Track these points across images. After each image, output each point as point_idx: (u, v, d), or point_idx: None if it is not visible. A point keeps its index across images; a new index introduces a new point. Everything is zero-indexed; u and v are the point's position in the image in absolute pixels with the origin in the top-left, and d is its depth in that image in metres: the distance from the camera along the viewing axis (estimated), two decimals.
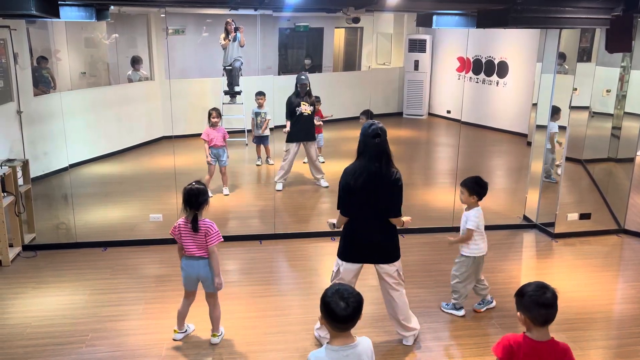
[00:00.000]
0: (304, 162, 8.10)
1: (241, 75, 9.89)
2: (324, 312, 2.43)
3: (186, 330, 4.15)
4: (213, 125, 7.03)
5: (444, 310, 4.54)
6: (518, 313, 2.59)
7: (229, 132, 7.42)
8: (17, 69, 7.16)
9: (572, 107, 5.97)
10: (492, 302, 4.59)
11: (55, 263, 5.38)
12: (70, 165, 7.20)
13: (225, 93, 9.85)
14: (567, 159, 6.42)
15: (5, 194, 5.33)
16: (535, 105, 7.40)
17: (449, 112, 12.82)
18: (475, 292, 4.55)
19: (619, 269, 5.55)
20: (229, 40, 9.49)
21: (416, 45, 13.07)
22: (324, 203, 7.17)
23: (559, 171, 6.56)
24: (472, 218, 4.36)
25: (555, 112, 6.16)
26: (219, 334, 4.08)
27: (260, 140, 8.68)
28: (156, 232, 5.96)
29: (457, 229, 4.74)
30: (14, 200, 5.47)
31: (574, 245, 5.99)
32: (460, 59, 12.57)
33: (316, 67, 13.35)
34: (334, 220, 3.96)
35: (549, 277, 5.16)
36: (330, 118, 8.85)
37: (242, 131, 9.86)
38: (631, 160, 6.49)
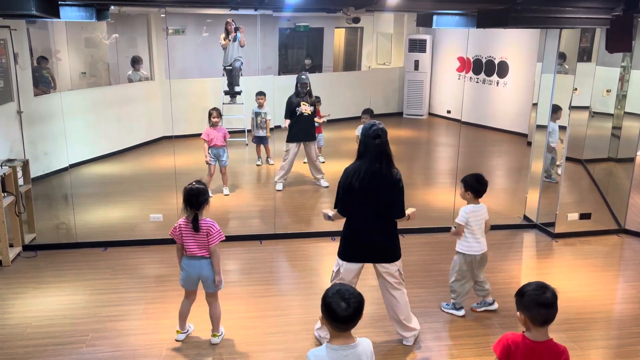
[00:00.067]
0: (304, 162, 8.10)
1: (241, 75, 9.89)
2: (325, 313, 2.43)
3: (187, 330, 4.16)
4: (213, 125, 7.03)
5: (444, 310, 4.54)
6: (518, 313, 2.60)
7: (229, 132, 7.41)
8: (18, 69, 7.16)
9: (572, 107, 5.98)
10: (492, 304, 4.57)
11: (55, 263, 5.38)
12: (70, 165, 7.21)
13: (226, 93, 9.85)
14: (568, 158, 6.42)
15: (5, 194, 5.33)
16: (535, 105, 7.40)
17: (449, 112, 12.82)
18: (475, 292, 4.55)
19: (619, 269, 5.55)
20: (229, 40, 9.49)
21: (416, 45, 13.07)
22: (324, 203, 7.17)
23: (559, 171, 6.57)
24: (462, 213, 4.38)
25: (555, 111, 6.16)
26: (219, 334, 4.08)
27: (260, 140, 8.67)
28: (156, 232, 5.96)
29: None
30: (14, 200, 5.47)
31: (574, 245, 6.00)
32: (461, 59, 12.56)
33: (316, 67, 13.33)
34: (330, 213, 3.96)
35: (549, 277, 5.16)
36: (326, 118, 8.69)
37: (242, 131, 9.86)
38: (631, 160, 6.49)
